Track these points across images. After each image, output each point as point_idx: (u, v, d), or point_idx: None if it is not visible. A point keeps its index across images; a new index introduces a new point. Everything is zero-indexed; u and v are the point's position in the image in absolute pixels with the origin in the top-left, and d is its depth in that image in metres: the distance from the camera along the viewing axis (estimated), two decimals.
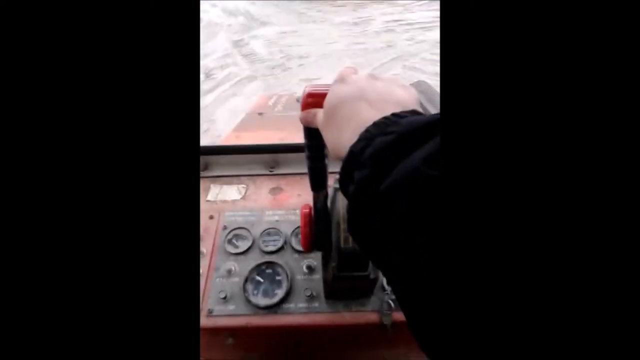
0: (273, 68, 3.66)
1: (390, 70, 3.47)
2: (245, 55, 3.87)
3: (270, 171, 0.77)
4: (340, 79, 0.33)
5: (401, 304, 0.23)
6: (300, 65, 3.71)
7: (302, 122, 0.38)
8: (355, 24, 4.54)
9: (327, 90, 0.34)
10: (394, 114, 0.26)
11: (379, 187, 0.22)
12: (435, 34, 4.19)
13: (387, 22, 4.50)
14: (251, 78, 3.47)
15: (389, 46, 3.97)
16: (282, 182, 0.75)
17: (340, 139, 0.29)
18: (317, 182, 0.48)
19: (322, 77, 3.36)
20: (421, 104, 0.33)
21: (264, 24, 4.62)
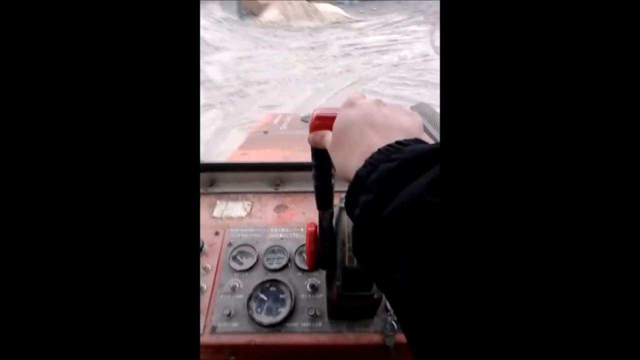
0: (231, 95, 3.54)
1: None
2: (200, 83, 3.83)
3: (276, 189, 0.78)
4: (349, 103, 0.34)
5: (402, 325, 0.23)
6: (260, 91, 3.62)
7: (310, 143, 0.39)
8: (312, 48, 4.54)
9: (334, 113, 0.35)
10: (398, 142, 0.27)
11: (383, 211, 0.23)
12: (390, 58, 4.20)
13: (344, 46, 4.50)
14: (208, 106, 3.33)
15: (347, 70, 3.95)
16: (287, 200, 0.76)
17: (348, 162, 0.30)
18: (324, 201, 0.48)
19: (284, 104, 3.29)
20: (424, 127, 0.34)
21: (218, 49, 4.53)
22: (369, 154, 0.27)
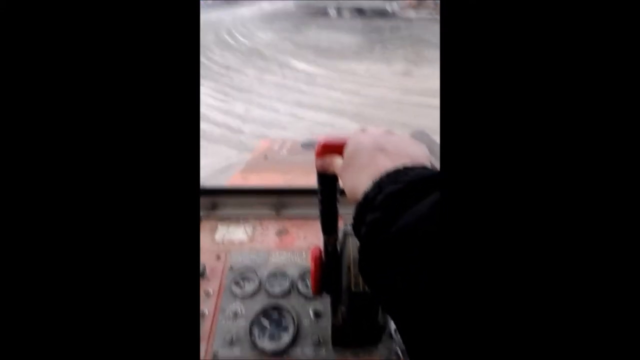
0: None
1: None
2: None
3: (277, 213, 0.79)
4: (361, 130, 0.36)
5: (408, 350, 0.24)
6: None
7: (318, 169, 0.40)
8: None
9: (340, 140, 0.37)
10: (405, 167, 0.29)
11: (389, 229, 0.24)
12: None
13: None
14: None
15: None
16: (288, 225, 0.76)
17: (357, 183, 0.31)
18: (329, 226, 0.49)
19: None
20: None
21: None
22: (378, 176, 0.28)
